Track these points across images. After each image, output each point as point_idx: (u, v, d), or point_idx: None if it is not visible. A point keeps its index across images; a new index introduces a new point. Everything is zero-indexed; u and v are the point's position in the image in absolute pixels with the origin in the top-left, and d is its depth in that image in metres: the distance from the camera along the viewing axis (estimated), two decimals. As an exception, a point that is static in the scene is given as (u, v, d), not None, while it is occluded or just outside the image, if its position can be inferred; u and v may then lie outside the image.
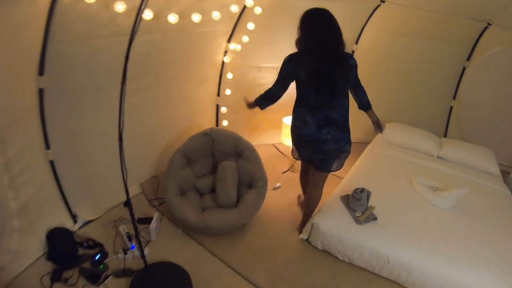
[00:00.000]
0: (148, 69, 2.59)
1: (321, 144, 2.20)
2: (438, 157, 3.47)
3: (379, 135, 3.69)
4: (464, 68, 3.80)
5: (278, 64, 3.33)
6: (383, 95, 3.97)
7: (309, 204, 2.59)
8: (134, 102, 2.59)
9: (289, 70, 2.13)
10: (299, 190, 3.23)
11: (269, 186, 3.06)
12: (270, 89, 2.31)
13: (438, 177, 3.07)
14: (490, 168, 3.29)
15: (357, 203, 2.47)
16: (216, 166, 2.89)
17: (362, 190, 2.47)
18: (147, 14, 2.11)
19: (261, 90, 3.55)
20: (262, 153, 3.85)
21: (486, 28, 3.45)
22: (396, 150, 3.51)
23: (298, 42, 2.11)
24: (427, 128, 3.83)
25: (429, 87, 3.96)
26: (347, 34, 2.12)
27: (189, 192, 2.85)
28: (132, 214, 1.87)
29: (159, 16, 2.25)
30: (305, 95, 2.19)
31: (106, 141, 2.24)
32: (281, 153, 3.93)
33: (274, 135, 3.98)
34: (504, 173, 3.41)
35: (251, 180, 2.81)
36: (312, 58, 2.05)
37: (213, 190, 2.83)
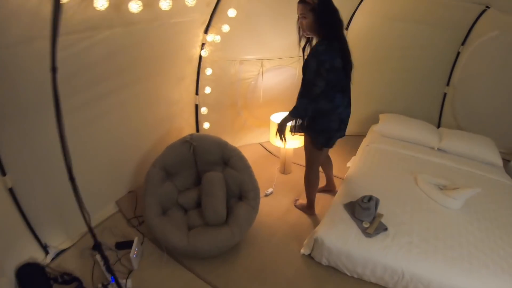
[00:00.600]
0: (113, 70, 2.18)
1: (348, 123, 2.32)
2: (438, 149, 3.27)
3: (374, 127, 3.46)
4: (458, 53, 3.58)
5: (263, 55, 3.02)
6: (375, 84, 3.78)
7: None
8: (99, 111, 2.23)
9: (330, 60, 1.97)
10: (293, 194, 2.96)
11: (260, 193, 2.77)
12: (311, 90, 2.04)
13: (442, 172, 2.87)
14: (492, 158, 3.12)
15: (365, 213, 2.20)
16: (200, 177, 2.56)
17: (370, 198, 2.20)
18: (101, 3, 1.69)
19: (245, 86, 3.19)
20: (249, 154, 3.55)
21: (484, 11, 3.22)
22: (395, 144, 3.27)
23: (319, 27, 1.96)
24: (420, 117, 3.65)
25: (422, 73, 3.74)
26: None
27: (171, 209, 2.50)
28: (104, 258, 1.51)
29: (119, 5, 1.84)
30: (339, 81, 2.09)
31: (73, 154, 1.85)
32: (270, 152, 3.62)
33: (261, 134, 3.65)
34: (504, 161, 3.25)
35: (241, 191, 2.49)
36: (339, 43, 1.99)
37: (198, 204, 2.49)
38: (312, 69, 1.96)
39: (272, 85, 3.37)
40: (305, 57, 2.11)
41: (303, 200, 2.81)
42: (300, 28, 2.06)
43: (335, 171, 2.89)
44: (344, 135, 2.35)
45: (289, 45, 3.14)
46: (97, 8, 1.69)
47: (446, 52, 3.59)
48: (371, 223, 2.19)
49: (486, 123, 3.57)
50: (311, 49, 2.07)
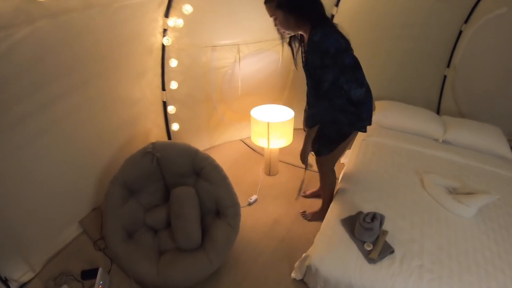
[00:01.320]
0: (50, 74, 1.73)
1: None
2: (443, 141, 2.91)
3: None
4: (460, 32, 3.19)
5: (240, 39, 2.54)
6: (369, 67, 3.31)
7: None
8: (43, 122, 1.82)
9: (334, 44, 1.65)
10: (281, 201, 2.58)
11: (242, 201, 2.40)
12: (321, 88, 1.73)
13: (449, 170, 2.53)
14: (502, 150, 2.79)
15: (367, 233, 1.84)
16: (170, 190, 2.15)
17: (374, 217, 1.84)
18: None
19: (220, 76, 2.72)
20: (229, 153, 3.16)
21: (490, -14, 2.81)
22: (395, 136, 2.90)
23: (296, 20, 1.70)
24: (419, 102, 3.33)
25: (420, 54, 3.35)
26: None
27: (139, 231, 2.11)
28: None
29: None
30: (355, 61, 1.77)
31: (20, 176, 1.76)
32: (253, 150, 3.21)
33: (242, 129, 3.23)
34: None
35: (218, 207, 2.11)
36: (330, 23, 1.74)
37: (169, 223, 2.09)
38: (318, 65, 1.68)
39: (252, 74, 2.92)
40: (301, 55, 1.86)
41: (312, 208, 2.47)
42: (278, 30, 1.81)
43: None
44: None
45: (270, 26, 2.63)
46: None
47: (447, 31, 3.21)
48: (374, 244, 1.84)
49: (490, 107, 3.25)
50: (307, 44, 1.74)
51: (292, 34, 1.83)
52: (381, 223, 1.85)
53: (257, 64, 2.90)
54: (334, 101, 1.77)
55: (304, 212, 2.48)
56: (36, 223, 1.94)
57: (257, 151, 3.18)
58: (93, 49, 1.89)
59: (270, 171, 2.86)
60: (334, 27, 1.70)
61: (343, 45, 1.67)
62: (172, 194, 2.05)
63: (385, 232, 1.90)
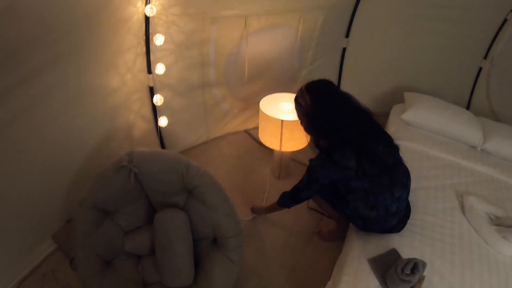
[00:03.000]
0: None
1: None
2: (482, 150, 2.44)
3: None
4: (505, 21, 2.67)
5: (247, 9, 2.05)
6: (398, 51, 3.00)
7: None
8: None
9: (326, 178, 1.64)
10: (293, 216, 2.13)
11: (246, 213, 2.06)
12: (299, 193, 1.77)
13: (490, 190, 2.10)
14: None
15: (404, 285, 1.41)
16: (155, 208, 1.71)
17: (414, 267, 1.39)
18: None
19: (222, 56, 2.48)
20: (231, 148, 2.66)
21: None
22: (428, 141, 2.43)
23: (317, 136, 1.69)
24: (448, 96, 3.00)
25: (455, 41, 2.88)
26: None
27: (117, 258, 1.70)
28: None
29: None
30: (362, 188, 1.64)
31: None
32: (259, 143, 2.70)
33: (247, 119, 2.73)
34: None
35: (216, 235, 1.66)
36: (347, 151, 1.59)
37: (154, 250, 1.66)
38: (303, 181, 1.67)
39: (262, 54, 2.35)
40: None
41: (328, 225, 2.08)
42: None
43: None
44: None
45: None
46: None
47: (489, 18, 2.71)
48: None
49: None
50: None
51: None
52: (422, 271, 1.42)
53: (269, 42, 2.33)
54: (341, 207, 1.71)
55: (320, 230, 2.05)
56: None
57: (264, 145, 2.68)
58: (38, 29, 1.34)
59: (280, 174, 2.38)
60: (347, 155, 1.51)
61: (349, 174, 1.51)
62: (156, 220, 1.59)
63: (422, 278, 1.48)
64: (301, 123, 1.70)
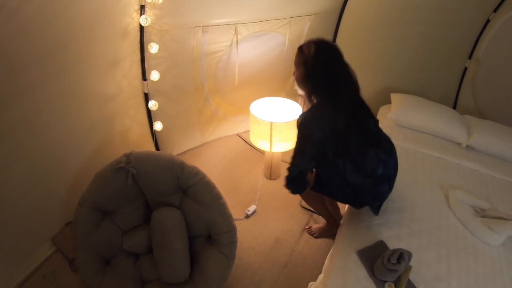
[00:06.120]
0: None
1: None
2: (467, 146, 2.53)
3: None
4: (488, 21, 2.75)
5: (238, 17, 2.13)
6: (383, 52, 3.07)
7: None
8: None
9: (318, 133, 1.55)
10: (283, 212, 2.24)
11: (239, 213, 2.05)
12: (302, 156, 1.61)
13: (475, 183, 2.19)
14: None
15: (390, 274, 1.50)
16: (152, 208, 1.78)
17: (400, 256, 1.48)
18: None
19: (213, 62, 2.41)
20: (224, 150, 2.75)
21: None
22: (415, 139, 2.52)
23: (310, 88, 1.60)
24: (434, 96, 3.07)
25: (440, 42, 2.93)
26: None
27: (116, 257, 1.78)
28: None
29: None
30: (343, 148, 1.63)
31: None
32: (251, 146, 2.80)
33: (239, 123, 2.81)
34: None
35: (210, 232, 1.74)
36: (337, 107, 1.58)
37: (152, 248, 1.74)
38: (296, 145, 1.56)
39: (252, 60, 2.45)
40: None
41: (318, 222, 2.17)
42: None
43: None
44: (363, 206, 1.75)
45: (276, 2, 2.22)
46: None
47: (472, 18, 2.78)
48: (396, 283, 1.50)
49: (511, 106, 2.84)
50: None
51: (300, 92, 1.64)
52: (408, 261, 1.51)
53: (258, 49, 2.43)
54: (330, 177, 1.63)
55: (310, 227, 2.14)
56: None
57: (256, 148, 2.77)
58: (41, 40, 1.43)
59: (271, 174, 2.48)
60: (338, 109, 1.49)
61: (338, 129, 1.49)
62: (153, 218, 1.67)
63: (408, 269, 1.56)
64: (295, 71, 1.61)
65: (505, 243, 1.79)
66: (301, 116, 1.51)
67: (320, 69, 1.51)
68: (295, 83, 1.62)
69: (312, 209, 2.23)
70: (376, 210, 1.72)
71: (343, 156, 1.54)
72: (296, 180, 1.61)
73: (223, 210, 1.72)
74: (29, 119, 1.59)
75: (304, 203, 2.25)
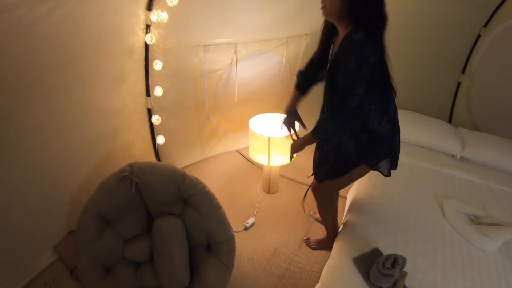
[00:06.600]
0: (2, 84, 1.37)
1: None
2: (461, 158, 2.60)
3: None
4: (479, 36, 2.85)
5: (237, 37, 2.21)
6: None
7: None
8: (7, 136, 1.54)
9: (377, 53, 1.35)
10: (281, 225, 2.27)
11: (238, 225, 2.08)
12: (349, 102, 1.35)
13: (470, 193, 2.24)
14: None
15: (385, 279, 1.53)
16: (153, 217, 1.82)
17: (394, 261, 1.51)
18: None
19: (214, 80, 2.46)
20: (224, 166, 2.81)
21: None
22: (410, 153, 2.58)
23: (349, 9, 1.31)
24: (429, 111, 3.08)
25: (432, 59, 3.02)
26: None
27: (117, 266, 1.82)
28: None
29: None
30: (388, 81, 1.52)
31: None
32: (250, 161, 2.87)
33: (238, 139, 2.89)
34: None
35: (209, 241, 1.78)
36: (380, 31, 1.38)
37: (153, 256, 1.77)
38: (351, 70, 1.28)
39: (251, 78, 2.56)
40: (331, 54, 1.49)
41: (316, 234, 2.18)
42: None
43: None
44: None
45: (274, 23, 2.33)
46: None
47: (463, 35, 2.87)
48: (393, 290, 1.53)
49: (507, 119, 2.90)
50: (343, 42, 1.34)
51: (325, 17, 1.41)
52: (401, 268, 1.54)
53: (257, 67, 2.54)
54: (347, 124, 1.43)
55: (308, 239, 2.17)
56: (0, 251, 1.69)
57: (255, 163, 2.84)
58: (52, 54, 1.53)
59: (269, 189, 2.53)
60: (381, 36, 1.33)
61: (384, 58, 1.35)
62: (155, 227, 1.72)
63: (404, 275, 1.59)
64: None
65: (501, 249, 1.83)
66: (354, 34, 1.28)
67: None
68: (323, 13, 1.38)
69: (319, 219, 2.27)
70: (388, 171, 1.64)
71: (373, 93, 1.39)
72: (356, 115, 1.37)
73: (222, 220, 1.76)
74: (38, 128, 1.66)
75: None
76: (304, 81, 1.71)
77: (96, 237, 1.74)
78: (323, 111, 1.60)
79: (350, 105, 1.33)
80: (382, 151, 1.56)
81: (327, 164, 1.68)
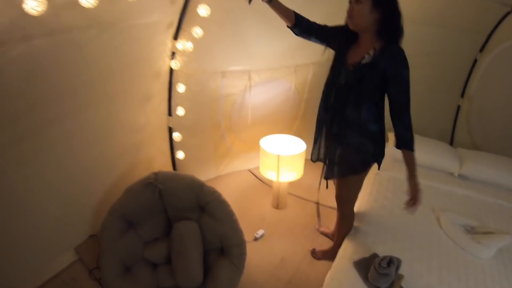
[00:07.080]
0: (44, 96, 1.62)
1: None
2: (459, 175, 2.76)
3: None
4: (475, 61, 3.05)
5: (251, 65, 2.44)
6: None
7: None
8: (36, 145, 1.71)
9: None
10: (288, 237, 2.40)
11: (248, 236, 2.23)
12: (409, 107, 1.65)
13: (467, 207, 2.39)
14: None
15: (382, 279, 1.65)
16: (172, 223, 2.00)
17: (390, 261, 1.65)
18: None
19: (229, 103, 2.56)
20: (236, 184, 3.00)
21: (508, 13, 2.69)
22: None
23: (380, 24, 1.52)
24: (431, 133, 3.18)
25: (432, 83, 3.19)
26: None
27: (136, 265, 1.97)
28: None
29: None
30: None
31: (7, 201, 1.65)
32: (261, 180, 3.05)
33: (250, 159, 3.08)
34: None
35: (223, 245, 1.93)
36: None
37: (170, 258, 1.94)
38: (408, 79, 1.56)
39: (263, 102, 2.81)
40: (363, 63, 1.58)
41: (322, 246, 2.31)
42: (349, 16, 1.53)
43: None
44: None
45: (283, 52, 2.60)
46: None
47: (460, 60, 3.07)
48: (390, 291, 1.64)
49: (506, 140, 3.04)
50: (390, 53, 1.53)
51: (352, 27, 1.54)
52: (397, 268, 1.67)
53: (269, 93, 2.80)
54: (370, 126, 1.67)
55: (314, 250, 2.29)
56: (25, 248, 1.82)
57: (265, 182, 3.02)
58: (94, 71, 1.79)
59: (278, 205, 2.69)
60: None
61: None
62: (174, 229, 1.89)
63: (401, 277, 1.72)
64: (361, 4, 1.45)
65: (496, 255, 1.93)
66: (396, 46, 1.52)
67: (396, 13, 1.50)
68: (350, 23, 1.53)
69: (327, 234, 2.41)
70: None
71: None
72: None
73: (235, 226, 1.93)
74: (70, 138, 1.86)
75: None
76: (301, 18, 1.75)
77: (119, 237, 1.91)
78: (322, 135, 1.85)
79: (411, 128, 1.65)
80: (384, 151, 1.81)
81: (346, 165, 1.81)
